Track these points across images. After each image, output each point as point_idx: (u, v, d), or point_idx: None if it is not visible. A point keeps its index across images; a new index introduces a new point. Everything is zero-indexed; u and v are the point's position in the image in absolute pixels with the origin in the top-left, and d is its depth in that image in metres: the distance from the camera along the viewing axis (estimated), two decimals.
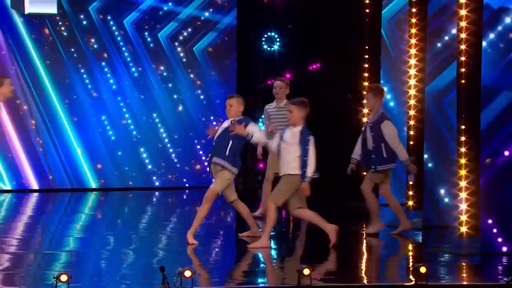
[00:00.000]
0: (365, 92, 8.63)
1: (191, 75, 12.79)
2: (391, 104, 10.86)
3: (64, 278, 6.18)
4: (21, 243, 8.53)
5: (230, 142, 8.19)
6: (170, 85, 12.67)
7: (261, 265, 7.90)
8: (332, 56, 11.93)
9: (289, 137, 8.04)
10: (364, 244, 9.00)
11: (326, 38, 11.95)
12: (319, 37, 12.11)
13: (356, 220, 10.11)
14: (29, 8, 12.00)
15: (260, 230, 8.61)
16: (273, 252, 8.41)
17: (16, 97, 12.05)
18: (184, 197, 12.74)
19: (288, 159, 8.01)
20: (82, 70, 12.38)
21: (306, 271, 6.40)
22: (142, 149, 12.56)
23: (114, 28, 12.49)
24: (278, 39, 12.91)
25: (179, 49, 12.79)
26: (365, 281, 7.24)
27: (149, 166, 12.56)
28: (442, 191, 9.17)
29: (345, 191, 11.50)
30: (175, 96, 12.72)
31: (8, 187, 12.08)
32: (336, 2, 11.69)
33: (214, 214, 10.19)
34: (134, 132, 12.56)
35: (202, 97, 12.73)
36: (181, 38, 12.78)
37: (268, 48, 12.96)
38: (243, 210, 8.56)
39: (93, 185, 12.43)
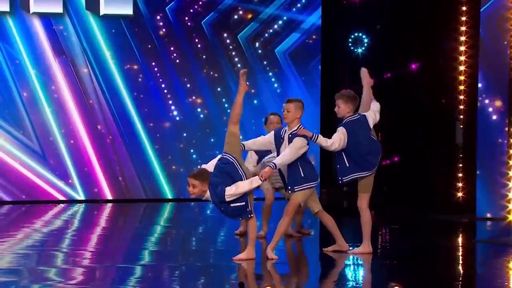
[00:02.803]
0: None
1: (272, 79, 12.80)
2: (490, 109, 10.63)
3: None
4: (95, 256, 8.64)
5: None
6: (250, 88, 12.69)
7: (348, 283, 7.82)
8: (426, 57, 11.78)
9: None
10: (460, 261, 8.85)
11: (419, 38, 11.81)
12: (411, 37, 11.97)
13: (445, 233, 9.96)
14: (104, 10, 12.21)
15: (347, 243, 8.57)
16: (360, 269, 8.32)
17: (90, 101, 12.26)
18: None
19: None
20: (158, 74, 12.51)
21: None
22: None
23: (191, 29, 12.60)
24: (366, 40, 12.82)
25: (259, 51, 12.82)
26: None
27: None
28: None
29: (435, 203, 11.37)
30: (255, 102, 12.74)
31: (82, 197, 12.29)
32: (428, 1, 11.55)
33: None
34: (212, 140, 12.62)
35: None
36: (261, 39, 12.81)
37: (355, 50, 12.87)
38: (329, 222, 8.51)
39: (169, 195, 12.53)
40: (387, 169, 12.05)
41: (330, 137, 8.31)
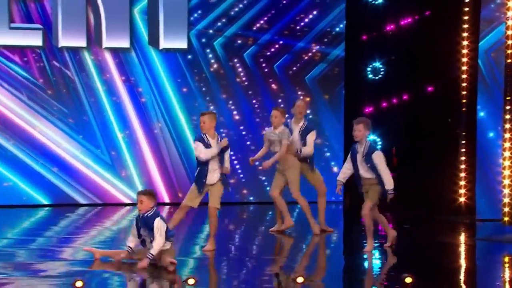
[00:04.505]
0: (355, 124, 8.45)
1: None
2: (491, 134, 10.57)
3: (191, 282, 6.30)
4: None
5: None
6: (285, 110, 12.71)
7: (366, 274, 7.82)
8: (434, 84, 11.78)
9: None
10: (462, 256, 8.79)
11: (427, 68, 11.80)
12: (421, 67, 11.96)
13: (450, 232, 9.90)
14: (163, 44, 12.36)
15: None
16: (378, 262, 8.30)
17: (151, 121, 12.39)
18: (297, 210, 12.74)
19: None
20: (207, 98, 12.62)
21: (408, 280, 6.30)
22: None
23: (235, 60, 12.70)
24: (382, 69, 12.82)
25: (293, 78, 12.87)
26: None
27: (265, 183, 12.65)
28: None
29: (441, 206, 11.31)
30: (288, 120, 12.76)
31: None
32: (436, 36, 11.53)
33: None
34: (252, 147, 12.62)
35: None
36: (294, 68, 12.86)
37: (373, 77, 12.89)
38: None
39: None
40: (402, 178, 12.05)
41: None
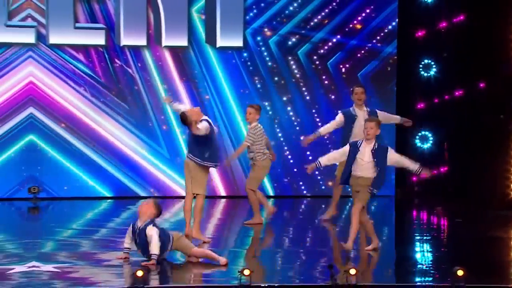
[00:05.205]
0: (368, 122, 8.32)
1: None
2: None
3: (247, 272, 6.36)
4: (212, 242, 8.81)
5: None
6: (337, 106, 12.69)
7: (418, 266, 7.79)
8: (485, 80, 11.63)
9: None
10: None
11: (479, 64, 11.65)
12: (472, 64, 11.82)
13: (501, 226, 9.77)
14: (220, 43, 12.45)
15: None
16: (430, 255, 8.26)
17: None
18: (346, 206, 12.69)
19: None
20: (263, 95, 12.66)
21: (460, 273, 6.26)
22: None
23: (289, 58, 12.71)
24: (434, 66, 12.69)
25: (346, 75, 12.83)
26: None
27: (319, 177, 12.64)
28: None
29: (492, 201, 11.16)
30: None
31: None
32: (488, 32, 11.38)
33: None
34: (308, 152, 12.63)
35: None
36: (347, 65, 12.82)
37: (425, 74, 12.76)
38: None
39: (270, 192, 12.64)
40: (454, 173, 11.94)
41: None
